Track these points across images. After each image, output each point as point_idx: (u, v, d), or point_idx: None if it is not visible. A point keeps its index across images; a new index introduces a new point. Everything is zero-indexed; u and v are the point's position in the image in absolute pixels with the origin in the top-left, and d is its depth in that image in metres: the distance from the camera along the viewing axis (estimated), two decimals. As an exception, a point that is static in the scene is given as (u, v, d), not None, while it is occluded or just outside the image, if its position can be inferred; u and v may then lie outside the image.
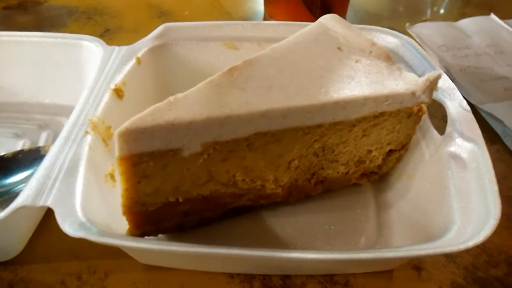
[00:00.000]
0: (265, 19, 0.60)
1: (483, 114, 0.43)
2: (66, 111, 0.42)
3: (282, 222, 0.33)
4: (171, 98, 0.26)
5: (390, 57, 0.32)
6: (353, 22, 0.60)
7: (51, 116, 0.43)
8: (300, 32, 0.33)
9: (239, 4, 0.64)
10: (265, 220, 0.33)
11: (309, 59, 0.31)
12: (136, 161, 0.25)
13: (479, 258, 0.32)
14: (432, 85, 0.30)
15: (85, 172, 0.28)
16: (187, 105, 0.26)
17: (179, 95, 0.26)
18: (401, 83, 0.30)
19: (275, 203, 0.33)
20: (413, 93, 0.29)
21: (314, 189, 0.33)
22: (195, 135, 0.26)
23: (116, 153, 0.25)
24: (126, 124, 0.24)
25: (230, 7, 0.63)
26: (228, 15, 0.61)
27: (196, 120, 0.25)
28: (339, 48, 0.32)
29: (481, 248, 0.32)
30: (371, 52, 0.32)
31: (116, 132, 0.24)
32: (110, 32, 0.58)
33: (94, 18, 0.61)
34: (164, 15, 0.62)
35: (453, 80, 0.47)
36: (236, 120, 0.26)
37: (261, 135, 0.28)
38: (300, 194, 0.33)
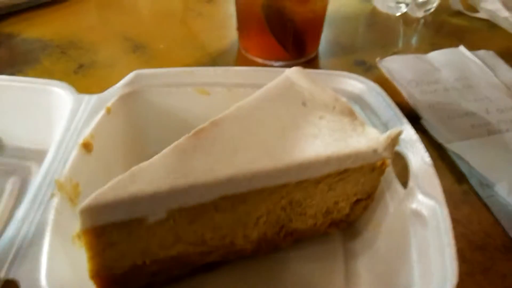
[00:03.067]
0: (239, 52, 0.61)
1: (450, 153, 0.44)
2: (35, 155, 0.42)
3: (251, 275, 0.33)
4: (134, 168, 0.26)
5: (353, 112, 0.33)
6: (325, 56, 0.62)
7: (19, 161, 0.42)
8: (267, 86, 0.34)
9: (214, 37, 0.64)
10: (235, 274, 0.33)
11: (274, 117, 0.31)
12: (100, 232, 0.26)
13: (444, 306, 0.32)
14: (394, 141, 0.31)
15: (51, 238, 0.27)
16: (150, 175, 0.26)
17: (143, 164, 0.26)
18: (363, 140, 0.31)
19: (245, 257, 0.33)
20: (374, 151, 0.30)
21: (284, 241, 0.34)
22: (160, 204, 0.26)
23: (79, 226, 0.25)
24: (87, 201, 0.24)
25: (205, 40, 0.64)
26: (203, 49, 0.62)
27: (160, 191, 0.25)
28: (303, 104, 0.33)
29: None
30: (334, 107, 0.33)
31: (78, 209, 0.24)
32: (84, 68, 0.57)
33: (68, 53, 0.60)
34: (139, 49, 0.62)
35: (421, 117, 0.48)
36: (201, 187, 0.26)
37: (227, 198, 0.28)
38: (269, 247, 0.33)
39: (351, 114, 0.32)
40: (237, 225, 0.30)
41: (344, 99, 0.34)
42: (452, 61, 0.58)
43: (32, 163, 0.42)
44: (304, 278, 0.33)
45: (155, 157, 0.27)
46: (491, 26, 0.71)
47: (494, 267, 0.35)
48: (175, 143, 0.28)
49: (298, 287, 0.32)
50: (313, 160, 0.29)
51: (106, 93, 0.39)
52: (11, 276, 0.25)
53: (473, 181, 0.41)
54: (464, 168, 0.43)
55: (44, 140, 0.37)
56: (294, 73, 0.35)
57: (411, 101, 0.50)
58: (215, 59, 0.60)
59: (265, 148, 0.29)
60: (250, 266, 0.33)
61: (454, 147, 0.44)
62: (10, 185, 0.40)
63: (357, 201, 0.34)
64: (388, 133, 0.31)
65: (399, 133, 0.31)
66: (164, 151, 0.27)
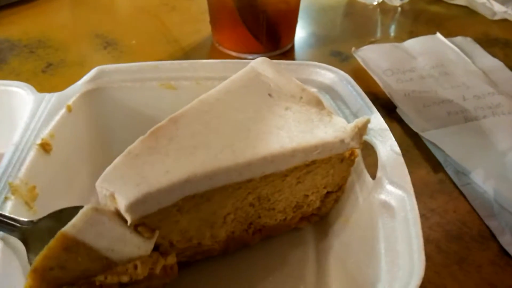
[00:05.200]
0: (213, 46, 0.59)
1: (426, 142, 0.43)
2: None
3: (220, 274, 0.32)
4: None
5: (321, 102, 0.32)
6: (301, 47, 0.61)
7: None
8: (231, 78, 0.32)
9: (188, 31, 0.63)
10: (202, 274, 0.32)
11: (238, 109, 0.30)
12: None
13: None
14: (361, 131, 0.30)
15: (2, 247, 0.26)
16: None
17: None
18: (330, 130, 0.29)
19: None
20: (342, 141, 0.29)
21: (253, 239, 0.33)
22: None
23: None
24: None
25: (178, 34, 0.62)
26: (177, 43, 0.60)
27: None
28: (269, 95, 0.31)
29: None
30: (301, 97, 0.31)
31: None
32: (52, 67, 0.56)
33: (37, 52, 0.58)
34: (110, 46, 0.60)
35: (396, 106, 0.47)
36: (157, 193, 0.25)
37: (189, 198, 0.27)
38: (238, 246, 0.32)
39: (318, 104, 0.31)
40: (204, 225, 0.29)
41: (311, 89, 0.32)
42: (429, 49, 0.57)
43: (-6, 166, 0.41)
44: (273, 274, 0.32)
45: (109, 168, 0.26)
46: (469, 12, 0.70)
47: (470, 257, 0.34)
48: (128, 148, 0.27)
49: (267, 283, 0.31)
50: (278, 153, 0.28)
51: (67, 91, 0.37)
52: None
53: (449, 170, 0.41)
54: (440, 157, 0.42)
55: (5, 143, 0.36)
56: (259, 64, 0.33)
57: (386, 90, 0.49)
58: (188, 54, 0.58)
59: (227, 143, 0.28)
60: (218, 264, 0.32)
61: (429, 135, 0.43)
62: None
63: (328, 193, 0.33)
64: (355, 122, 0.30)
65: (366, 122, 0.30)
66: (116, 160, 0.26)
